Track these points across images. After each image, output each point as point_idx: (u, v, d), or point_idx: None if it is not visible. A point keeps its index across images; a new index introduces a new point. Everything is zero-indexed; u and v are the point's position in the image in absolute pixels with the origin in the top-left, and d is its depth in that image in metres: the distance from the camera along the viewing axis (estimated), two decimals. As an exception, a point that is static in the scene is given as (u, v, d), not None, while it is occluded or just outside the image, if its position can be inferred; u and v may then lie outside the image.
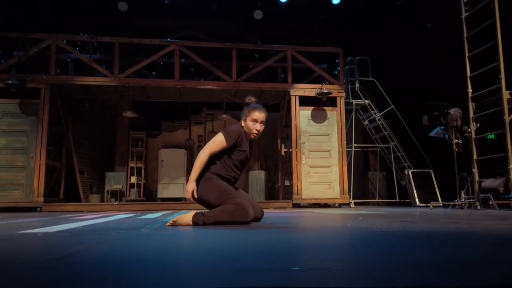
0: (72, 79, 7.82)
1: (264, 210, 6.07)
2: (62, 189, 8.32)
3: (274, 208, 7.70)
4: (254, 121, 2.88)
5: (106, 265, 1.11)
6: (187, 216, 2.65)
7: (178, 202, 9.08)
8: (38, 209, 7.20)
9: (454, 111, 5.44)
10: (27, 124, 7.41)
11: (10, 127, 7.35)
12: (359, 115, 9.21)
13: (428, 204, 7.06)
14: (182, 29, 9.88)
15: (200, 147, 10.82)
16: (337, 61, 8.68)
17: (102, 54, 8.49)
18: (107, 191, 9.07)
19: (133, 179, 9.56)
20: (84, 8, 9.14)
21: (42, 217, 4.35)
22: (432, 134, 6.09)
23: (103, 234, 1.98)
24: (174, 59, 8.00)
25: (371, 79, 8.81)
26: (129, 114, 8.69)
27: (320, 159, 8.14)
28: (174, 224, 2.64)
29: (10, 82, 7.06)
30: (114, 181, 9.23)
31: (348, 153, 8.54)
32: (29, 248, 1.51)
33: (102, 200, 9.05)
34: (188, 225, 2.61)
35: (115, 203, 8.14)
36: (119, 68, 7.95)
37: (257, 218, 2.92)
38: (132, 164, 9.73)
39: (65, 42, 7.85)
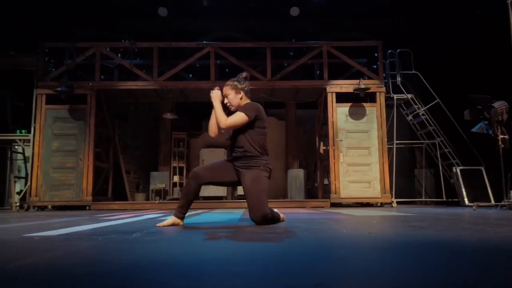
0: (115, 84, 8.25)
1: (301, 210, 5.99)
2: (110, 188, 8.82)
3: (311, 207, 7.59)
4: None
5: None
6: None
7: (219, 200, 9.28)
8: (87, 207, 7.70)
9: (499, 105, 5.00)
10: (76, 128, 7.94)
11: (61, 131, 7.92)
12: (402, 110, 8.78)
13: (480, 204, 6.58)
14: (218, 29, 10.01)
15: (240, 146, 10.96)
16: (376, 55, 8.34)
17: (144, 59, 8.85)
18: (152, 190, 9.47)
19: (176, 178, 9.90)
20: (125, 14, 9.56)
21: (75, 216, 4.64)
22: (474, 129, 5.65)
23: (89, 240, 2.04)
24: (210, 60, 8.16)
25: (414, 72, 8.36)
26: (169, 115, 9.00)
27: (359, 157, 7.89)
28: (164, 226, 2.83)
29: (59, 89, 7.60)
30: (158, 180, 9.61)
31: (390, 150, 8.19)
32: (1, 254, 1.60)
33: (147, 198, 9.47)
34: (177, 223, 2.86)
35: (156, 201, 8.48)
36: (159, 71, 8.26)
37: (253, 219, 2.79)
38: (174, 164, 10.07)
39: (108, 49, 8.28)
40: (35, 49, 8.11)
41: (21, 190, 8.70)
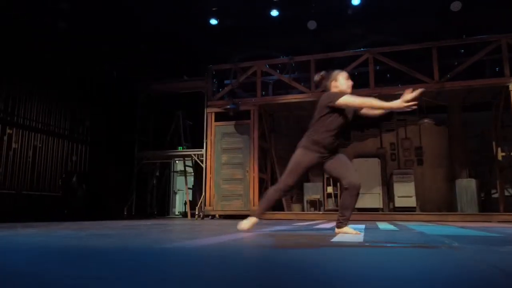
0: (275, 99, 8.59)
1: (484, 224, 5.34)
2: (269, 199, 9.15)
3: (498, 221, 6.67)
4: (348, 78, 3.16)
5: None
6: None
7: (375, 212, 8.88)
8: (255, 217, 8.08)
9: None
10: (242, 142, 8.47)
11: (229, 146, 8.55)
12: None
13: None
14: (370, 35, 9.72)
15: (393, 155, 10.38)
16: None
17: (299, 73, 9.07)
18: (306, 201, 9.55)
19: (329, 189, 9.81)
20: (277, 32, 9.96)
21: (278, 225, 4.80)
22: None
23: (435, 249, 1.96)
24: (366, 67, 7.93)
25: None
26: (324, 126, 8.98)
27: (559, 163, 6.68)
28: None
29: (228, 107, 8.23)
30: (312, 191, 9.65)
31: None
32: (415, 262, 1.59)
33: (302, 209, 9.57)
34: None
35: (319, 212, 8.48)
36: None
37: (356, 184, 3.02)
38: (326, 175, 10.00)
39: (267, 66, 8.70)
40: (203, 73, 8.97)
41: (185, 202, 9.64)
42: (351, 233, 2.97)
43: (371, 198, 9.56)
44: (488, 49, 7.35)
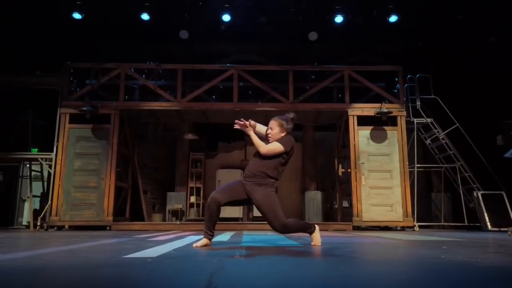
0: (139, 105, 8.30)
1: (323, 233, 6.04)
2: (128, 208, 8.74)
3: (333, 230, 7.56)
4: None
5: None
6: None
7: (235, 222, 9.21)
8: (108, 227, 7.61)
9: (533, 131, 5.11)
10: (99, 148, 7.93)
11: (84, 151, 7.91)
12: (420, 134, 8.88)
13: (503, 229, 6.59)
14: (238, 52, 10.19)
15: (256, 167, 10.95)
16: (396, 79, 8.49)
17: (166, 80, 8.96)
18: (169, 210, 9.40)
19: (193, 199, 9.85)
20: (148, 37, 9.71)
21: (119, 237, 4.60)
22: (507, 155, 5.73)
23: (208, 261, 2.06)
24: (232, 82, 8.27)
25: (433, 96, 8.51)
26: (190, 136, 9.04)
27: (381, 180, 7.91)
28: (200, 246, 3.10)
29: (85, 109, 7.65)
30: (175, 200, 9.55)
31: (410, 173, 8.23)
32: (160, 274, 1.60)
33: (164, 219, 9.38)
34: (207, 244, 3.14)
35: (177, 222, 8.41)
36: (181, 92, 8.34)
37: (275, 230, 3.20)
38: (191, 184, 10.04)
39: (133, 70, 8.38)
40: (60, 70, 8.19)
41: (35, 210, 8.61)
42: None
43: (232, 209, 9.89)
44: (333, 77, 8.36)
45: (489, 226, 7.55)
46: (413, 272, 1.83)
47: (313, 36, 9.56)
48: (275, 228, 3.14)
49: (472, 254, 2.45)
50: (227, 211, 9.82)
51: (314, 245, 3.30)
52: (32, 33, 8.85)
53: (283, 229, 3.14)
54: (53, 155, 7.85)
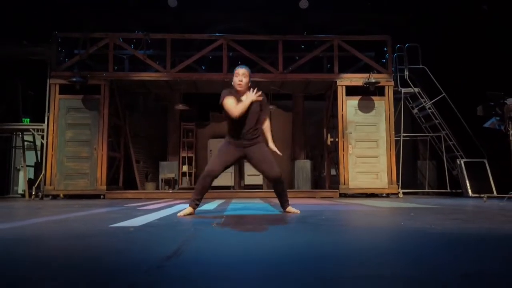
0: (128, 75, 8.32)
1: (311, 200, 6.29)
2: (121, 178, 8.95)
3: (321, 197, 7.83)
4: (236, 75, 3.35)
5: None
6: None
7: (227, 190, 9.47)
8: (102, 196, 7.84)
9: (511, 102, 5.26)
10: (90, 118, 8.01)
11: (75, 121, 8.00)
12: (408, 104, 9.01)
13: (482, 195, 6.87)
14: (228, 21, 10.07)
15: (247, 137, 11.12)
16: (385, 49, 8.51)
17: (155, 50, 8.91)
18: (161, 179, 9.63)
19: (185, 168, 10.06)
20: (136, 5, 9.55)
21: (112, 206, 4.80)
22: (486, 125, 5.91)
23: (185, 230, 2.24)
24: (222, 52, 8.25)
25: (421, 66, 8.57)
26: (180, 106, 9.11)
27: (368, 149, 8.12)
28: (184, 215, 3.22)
29: (74, 79, 7.66)
30: (168, 170, 9.76)
31: (397, 142, 8.43)
32: (137, 243, 1.78)
33: (157, 187, 9.62)
34: (191, 213, 3.26)
35: (170, 191, 8.65)
36: (170, 63, 8.34)
37: (272, 178, 3.40)
38: (183, 154, 10.22)
39: (121, 40, 8.32)
40: (48, 39, 8.12)
41: (29, 179, 8.80)
42: (294, 212, 3.50)
43: (224, 177, 10.13)
44: (323, 47, 8.36)
45: (470, 193, 7.85)
46: (359, 239, 2.03)
47: (303, 4, 9.45)
48: (275, 174, 3.35)
49: (432, 221, 2.66)
50: (219, 180, 10.05)
51: (293, 212, 3.49)
52: (17, 2, 8.67)
53: (278, 179, 3.39)
54: (44, 125, 7.94)
